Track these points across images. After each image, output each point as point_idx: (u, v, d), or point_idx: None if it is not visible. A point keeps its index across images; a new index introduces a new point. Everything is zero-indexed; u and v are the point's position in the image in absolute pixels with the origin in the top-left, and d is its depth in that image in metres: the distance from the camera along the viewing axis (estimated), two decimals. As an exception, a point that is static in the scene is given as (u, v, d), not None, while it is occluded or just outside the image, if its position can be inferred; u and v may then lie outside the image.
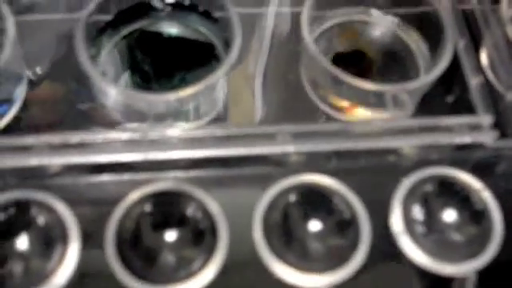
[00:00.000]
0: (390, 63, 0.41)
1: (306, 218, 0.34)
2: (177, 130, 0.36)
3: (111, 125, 0.38)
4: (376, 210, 0.35)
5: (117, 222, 0.33)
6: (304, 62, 0.40)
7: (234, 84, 0.39)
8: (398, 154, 0.37)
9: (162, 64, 0.40)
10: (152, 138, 0.35)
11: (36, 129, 0.37)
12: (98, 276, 0.33)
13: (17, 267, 0.32)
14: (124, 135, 0.35)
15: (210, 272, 0.33)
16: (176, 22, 0.41)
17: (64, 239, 0.33)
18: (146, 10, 0.41)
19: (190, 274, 0.33)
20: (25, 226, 0.33)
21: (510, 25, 0.39)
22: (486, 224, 0.35)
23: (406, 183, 0.35)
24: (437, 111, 0.39)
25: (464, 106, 0.38)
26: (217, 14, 0.40)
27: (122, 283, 0.32)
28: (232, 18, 0.38)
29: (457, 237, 0.34)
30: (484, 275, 0.34)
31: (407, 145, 0.36)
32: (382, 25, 0.42)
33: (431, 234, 0.34)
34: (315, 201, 0.35)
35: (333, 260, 0.34)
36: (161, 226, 0.33)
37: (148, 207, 0.34)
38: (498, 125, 0.37)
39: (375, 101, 0.37)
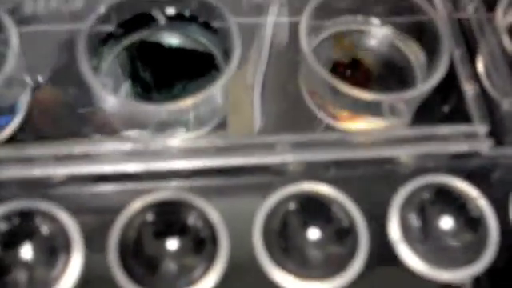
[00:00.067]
0: (388, 72, 0.41)
1: (306, 225, 0.34)
2: (177, 140, 0.36)
3: (113, 133, 0.38)
4: (374, 218, 0.35)
5: (119, 230, 0.33)
6: (303, 72, 0.40)
7: (234, 94, 0.39)
8: (396, 162, 0.37)
9: (163, 74, 0.40)
10: (153, 148, 0.35)
11: (39, 138, 0.37)
12: (101, 284, 0.33)
13: (21, 276, 0.32)
14: (126, 146, 0.35)
15: (210, 280, 0.33)
16: (176, 32, 0.41)
17: (67, 248, 0.33)
18: (147, 21, 0.41)
19: (190, 282, 0.33)
20: (29, 235, 0.33)
21: (506, 34, 0.39)
22: (482, 231, 0.35)
23: (403, 192, 0.35)
24: (433, 120, 0.39)
25: (460, 115, 0.38)
26: (216, 25, 0.40)
27: (124, 291, 0.32)
28: (231, 29, 0.38)
29: (453, 244, 0.35)
30: (480, 282, 0.34)
31: (404, 154, 0.36)
32: (379, 34, 0.42)
33: (428, 241, 0.35)
34: (314, 209, 0.35)
35: (332, 267, 0.34)
36: (162, 234, 0.34)
37: (150, 216, 0.34)
38: (494, 133, 0.37)
39: (373, 110, 0.37)
